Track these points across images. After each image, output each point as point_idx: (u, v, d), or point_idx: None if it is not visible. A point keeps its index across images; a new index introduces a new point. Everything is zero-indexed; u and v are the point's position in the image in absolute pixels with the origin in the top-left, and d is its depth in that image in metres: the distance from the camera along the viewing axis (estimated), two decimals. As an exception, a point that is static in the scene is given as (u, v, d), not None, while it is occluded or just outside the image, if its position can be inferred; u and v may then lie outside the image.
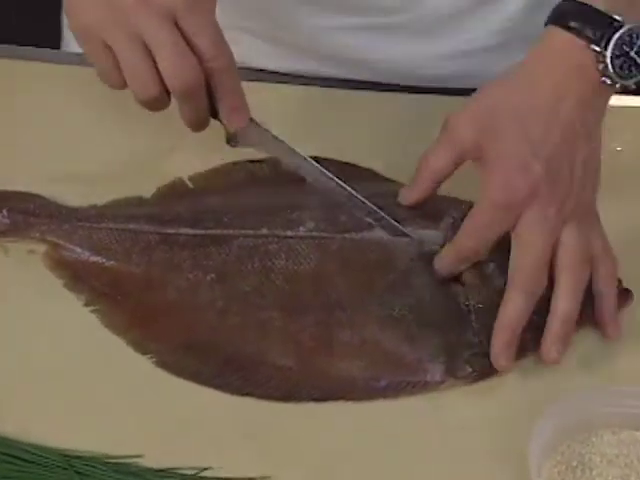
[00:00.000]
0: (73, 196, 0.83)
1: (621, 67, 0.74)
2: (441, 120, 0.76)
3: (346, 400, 0.73)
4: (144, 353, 0.76)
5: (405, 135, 0.89)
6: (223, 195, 0.83)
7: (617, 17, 0.74)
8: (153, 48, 0.75)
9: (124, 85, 0.78)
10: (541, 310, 0.75)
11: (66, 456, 0.69)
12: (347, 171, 0.84)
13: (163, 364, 0.75)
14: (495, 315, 0.75)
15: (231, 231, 0.80)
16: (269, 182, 0.83)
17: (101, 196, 0.84)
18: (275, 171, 0.84)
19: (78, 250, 0.80)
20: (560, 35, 0.76)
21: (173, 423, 0.72)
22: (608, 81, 0.75)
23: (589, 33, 0.74)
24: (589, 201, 0.76)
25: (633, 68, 0.75)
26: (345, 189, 0.80)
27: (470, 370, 0.74)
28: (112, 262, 0.80)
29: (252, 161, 0.85)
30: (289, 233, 0.79)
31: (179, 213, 0.81)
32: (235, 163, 0.86)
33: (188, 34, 0.76)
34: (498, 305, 0.75)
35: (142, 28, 0.75)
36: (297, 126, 0.88)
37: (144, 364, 0.75)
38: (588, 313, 0.77)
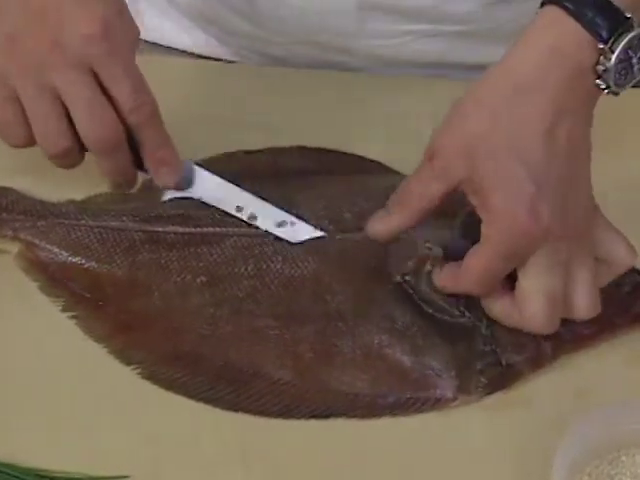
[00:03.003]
0: (49, 190, 0.83)
1: (620, 73, 0.71)
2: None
3: (349, 417, 0.73)
4: (128, 363, 0.75)
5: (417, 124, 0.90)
6: (215, 190, 0.83)
7: (628, 15, 0.70)
8: (66, 100, 0.75)
9: (28, 142, 0.78)
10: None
11: (44, 477, 0.69)
12: (354, 164, 0.84)
13: (149, 375, 0.75)
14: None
15: (224, 229, 0.80)
16: (266, 175, 0.83)
17: (80, 190, 0.83)
18: (273, 163, 0.84)
19: (55, 250, 0.80)
20: (561, 22, 0.70)
21: (161, 440, 0.72)
22: (603, 85, 0.71)
23: (601, 28, 0.69)
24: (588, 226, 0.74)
25: (629, 76, 0.71)
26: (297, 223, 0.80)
27: (484, 382, 0.74)
28: (92, 263, 0.79)
29: (248, 152, 0.85)
30: None
31: (166, 209, 0.81)
32: (229, 154, 0.86)
33: (106, 83, 0.76)
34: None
35: (55, 78, 0.74)
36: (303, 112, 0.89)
37: (128, 375, 0.75)
38: (617, 323, 0.77)
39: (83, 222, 0.80)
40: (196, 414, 0.73)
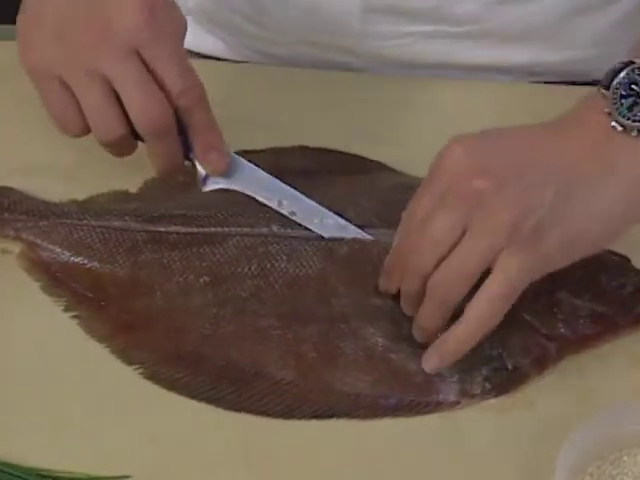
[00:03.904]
0: (52, 190, 0.84)
1: (630, 109, 0.72)
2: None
3: (351, 418, 0.74)
4: (130, 363, 0.76)
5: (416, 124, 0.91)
6: (218, 189, 0.83)
7: (634, 59, 0.73)
8: (116, 85, 0.76)
9: (84, 130, 0.78)
10: (567, 318, 0.76)
11: (46, 477, 0.69)
12: (354, 164, 0.84)
13: (151, 375, 0.75)
14: (516, 324, 0.76)
15: (226, 229, 0.80)
16: (269, 174, 0.83)
17: (83, 190, 0.84)
18: (275, 163, 0.84)
19: (57, 250, 0.80)
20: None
21: (163, 440, 0.72)
22: (618, 127, 0.72)
23: (604, 79, 0.74)
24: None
25: None
26: (339, 221, 0.80)
27: (488, 387, 0.74)
28: (95, 263, 0.80)
29: (249, 151, 0.85)
30: (291, 232, 0.80)
31: (169, 209, 0.81)
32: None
33: (153, 67, 0.76)
34: (518, 312, 0.76)
35: (103, 64, 0.75)
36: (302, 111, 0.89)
37: (130, 375, 0.75)
38: (620, 324, 0.78)
39: (85, 222, 0.81)
40: (198, 414, 0.73)
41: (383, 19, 0.95)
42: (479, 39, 0.96)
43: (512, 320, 0.76)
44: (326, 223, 0.80)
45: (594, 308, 0.77)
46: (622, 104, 0.72)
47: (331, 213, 0.80)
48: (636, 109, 0.72)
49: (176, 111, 0.77)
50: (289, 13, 0.96)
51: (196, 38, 1.01)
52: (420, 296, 0.74)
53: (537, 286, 0.76)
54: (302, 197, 0.81)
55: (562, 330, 0.76)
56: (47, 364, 0.76)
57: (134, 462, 0.71)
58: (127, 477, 0.70)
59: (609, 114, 0.73)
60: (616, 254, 0.80)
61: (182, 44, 0.78)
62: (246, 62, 1.00)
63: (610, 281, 0.78)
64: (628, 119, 0.72)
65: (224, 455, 0.71)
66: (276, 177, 0.81)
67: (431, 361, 0.74)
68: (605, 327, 0.77)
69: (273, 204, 0.80)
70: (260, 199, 0.80)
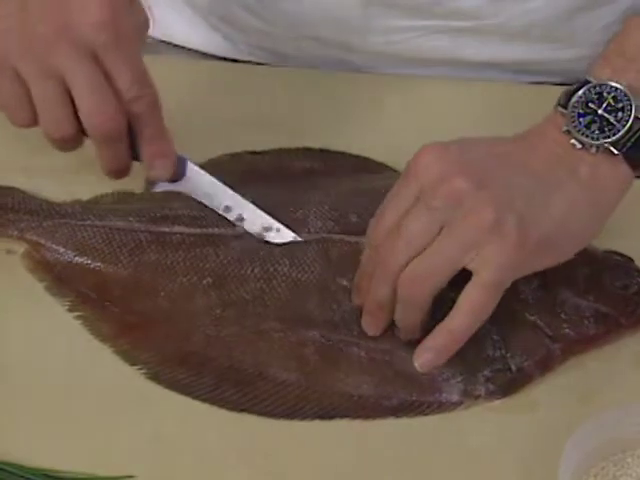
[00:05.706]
0: (55, 190, 0.84)
1: (588, 126, 0.74)
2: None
3: (353, 418, 0.74)
4: (133, 364, 0.76)
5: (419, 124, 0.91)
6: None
7: (590, 78, 0.75)
8: (70, 84, 0.76)
9: (32, 122, 0.78)
10: (571, 319, 0.77)
11: (49, 477, 0.70)
12: (360, 164, 0.84)
13: (154, 376, 0.76)
14: (520, 325, 0.76)
15: (230, 230, 0.80)
16: (271, 175, 0.83)
17: (86, 190, 0.84)
18: (278, 164, 0.84)
19: (61, 250, 0.80)
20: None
21: (167, 441, 0.73)
22: (577, 145, 0.74)
23: (561, 98, 0.76)
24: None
25: (606, 128, 0.74)
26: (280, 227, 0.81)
27: (492, 389, 0.75)
28: (98, 264, 0.80)
29: (252, 152, 0.85)
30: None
31: (173, 210, 0.82)
32: (233, 154, 0.86)
33: (110, 72, 0.77)
34: (522, 313, 0.77)
35: (60, 60, 0.76)
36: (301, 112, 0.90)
37: (134, 376, 0.76)
38: (624, 324, 0.78)
39: (89, 222, 0.81)
40: (201, 414, 0.74)
41: (384, 14, 0.95)
42: (480, 36, 0.96)
43: (516, 321, 0.76)
44: (272, 232, 0.80)
45: (598, 308, 0.77)
46: (580, 122, 0.74)
47: (277, 222, 0.80)
48: (594, 127, 0.74)
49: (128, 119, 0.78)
50: (289, 6, 0.96)
51: (202, 36, 1.02)
52: (391, 301, 0.74)
53: (540, 287, 0.77)
54: (250, 204, 0.81)
55: (566, 331, 0.77)
56: (51, 364, 0.76)
57: (138, 462, 0.71)
58: (131, 477, 0.70)
59: (568, 132, 0.75)
60: (620, 254, 0.80)
61: (140, 47, 0.79)
62: (249, 62, 1.00)
63: (614, 281, 0.79)
64: (587, 137, 0.74)
65: (227, 456, 0.72)
66: (225, 183, 0.82)
67: (424, 357, 0.74)
68: (609, 327, 0.77)
69: (219, 209, 0.81)
70: (207, 203, 0.81)
